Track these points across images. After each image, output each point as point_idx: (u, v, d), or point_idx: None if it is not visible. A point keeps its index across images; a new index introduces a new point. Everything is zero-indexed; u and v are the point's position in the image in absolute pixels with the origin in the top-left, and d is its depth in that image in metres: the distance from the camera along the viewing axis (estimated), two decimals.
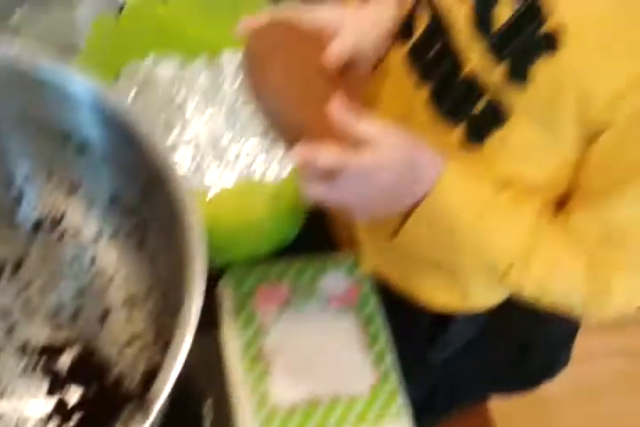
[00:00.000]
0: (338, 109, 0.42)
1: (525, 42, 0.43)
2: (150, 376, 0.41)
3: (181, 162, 0.58)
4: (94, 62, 0.55)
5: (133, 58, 0.60)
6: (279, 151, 0.58)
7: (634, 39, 0.41)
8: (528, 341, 0.68)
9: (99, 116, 0.44)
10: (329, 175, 0.42)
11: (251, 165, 0.58)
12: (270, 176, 0.57)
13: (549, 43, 0.41)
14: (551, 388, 0.73)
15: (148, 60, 0.62)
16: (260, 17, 0.46)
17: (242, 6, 0.58)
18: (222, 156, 0.60)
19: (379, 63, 0.53)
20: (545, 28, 0.41)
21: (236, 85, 0.62)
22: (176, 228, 0.40)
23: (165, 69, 0.63)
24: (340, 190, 0.44)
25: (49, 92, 0.45)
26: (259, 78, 0.44)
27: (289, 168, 0.57)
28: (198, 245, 0.38)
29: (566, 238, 0.48)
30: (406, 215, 0.48)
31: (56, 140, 0.47)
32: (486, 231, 0.47)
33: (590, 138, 0.44)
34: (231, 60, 0.62)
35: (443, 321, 0.62)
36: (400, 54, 0.51)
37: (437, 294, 0.60)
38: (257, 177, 0.57)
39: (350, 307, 0.56)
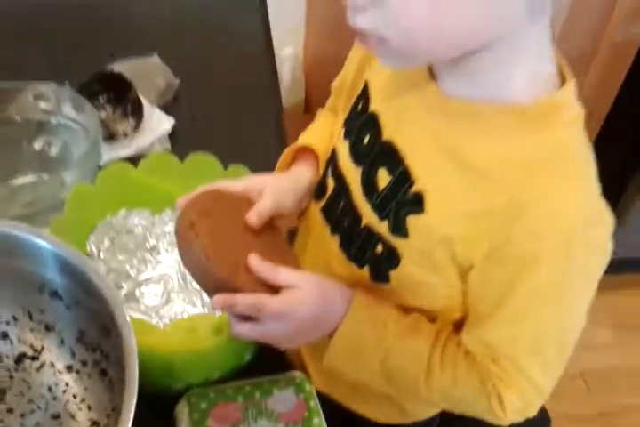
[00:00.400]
0: (257, 265, 0.52)
1: (399, 203, 0.53)
2: None
3: (152, 295, 0.68)
4: (73, 218, 0.67)
5: (108, 212, 0.71)
6: None
7: (472, 204, 0.50)
8: None
9: (63, 269, 0.54)
10: (250, 316, 0.52)
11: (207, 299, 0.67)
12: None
13: (416, 204, 0.52)
14: None
15: (121, 213, 0.72)
16: (195, 191, 0.57)
17: (199, 168, 0.70)
18: (188, 290, 0.69)
19: (302, 214, 0.64)
20: (411, 193, 0.52)
21: None
22: (124, 363, 0.49)
23: (137, 219, 0.73)
24: (262, 328, 0.53)
25: (26, 251, 0.55)
26: (186, 243, 0.53)
27: None
28: (132, 382, 0.46)
29: (462, 356, 0.55)
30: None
31: (34, 289, 0.58)
32: (392, 354, 0.55)
33: (465, 273, 0.53)
34: None
35: None
36: (317, 209, 0.62)
37: (379, 411, 0.67)
38: (207, 310, 0.66)
39: (298, 422, 0.63)
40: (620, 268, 0.89)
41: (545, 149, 0.49)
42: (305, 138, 0.68)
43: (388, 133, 0.55)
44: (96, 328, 0.56)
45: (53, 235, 0.57)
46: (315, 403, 0.65)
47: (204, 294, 0.67)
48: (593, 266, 0.50)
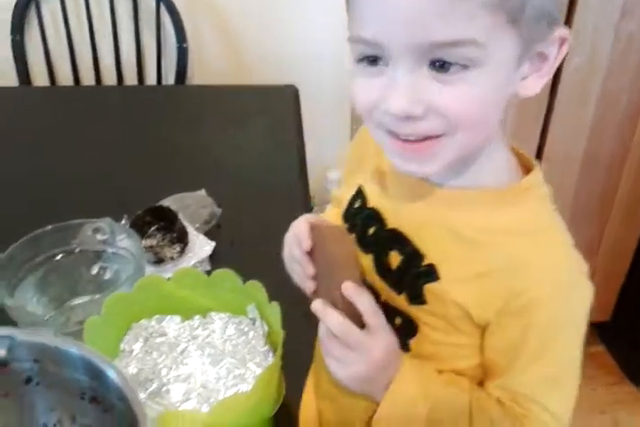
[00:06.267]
0: (350, 291, 0.58)
1: (414, 276, 0.61)
2: None
3: (175, 392, 0.75)
4: (109, 320, 0.76)
5: (143, 317, 0.81)
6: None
7: (472, 268, 0.58)
8: None
9: (99, 379, 0.63)
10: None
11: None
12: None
13: (430, 274, 0.60)
14: None
15: (155, 317, 0.82)
16: (306, 223, 0.67)
17: (222, 282, 0.81)
18: (207, 390, 0.75)
19: None
20: (424, 265, 0.60)
21: (223, 337, 0.82)
22: None
23: (169, 323, 0.83)
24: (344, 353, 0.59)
25: (70, 362, 0.65)
26: (318, 255, 0.64)
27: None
28: None
29: (494, 400, 0.60)
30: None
31: (77, 395, 0.67)
32: (437, 406, 0.60)
33: (481, 330, 0.59)
34: (218, 318, 0.83)
35: None
36: None
37: None
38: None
39: None
40: None
41: (524, 218, 0.59)
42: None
43: (392, 223, 0.65)
44: None
45: (88, 332, 0.66)
46: None
47: (221, 394, 0.74)
48: (586, 296, 0.59)
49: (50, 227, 0.90)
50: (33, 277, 0.88)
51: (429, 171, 0.58)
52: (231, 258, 1.02)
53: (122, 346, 0.79)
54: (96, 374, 0.63)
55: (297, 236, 0.67)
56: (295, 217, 1.16)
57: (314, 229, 0.67)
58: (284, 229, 1.12)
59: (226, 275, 0.81)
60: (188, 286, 0.83)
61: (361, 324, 0.58)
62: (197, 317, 0.84)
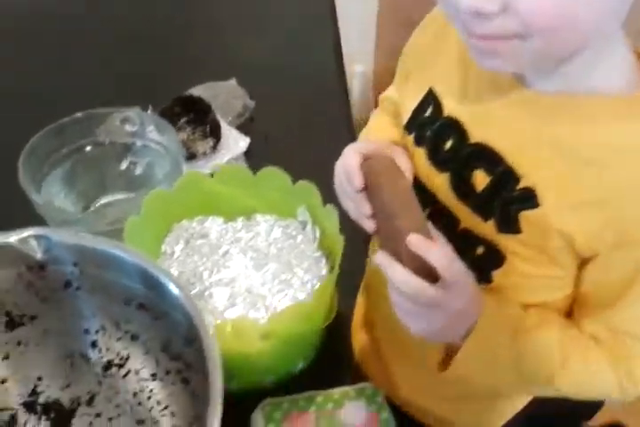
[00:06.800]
0: (417, 245, 0.49)
1: (506, 201, 0.52)
2: None
3: (220, 297, 0.70)
4: (149, 220, 0.70)
5: (184, 217, 0.75)
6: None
7: (586, 193, 0.49)
8: None
9: (149, 284, 0.57)
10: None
11: (270, 304, 0.70)
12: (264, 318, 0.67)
13: (528, 199, 0.51)
14: None
15: (197, 218, 0.76)
16: (355, 155, 0.58)
17: (270, 181, 0.74)
18: (252, 295, 0.71)
19: None
20: (520, 189, 0.51)
21: (267, 241, 0.76)
22: (206, 373, 0.52)
23: (212, 225, 0.77)
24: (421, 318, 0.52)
25: (113, 264, 0.59)
26: (373, 193, 0.56)
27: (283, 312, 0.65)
28: (216, 393, 0.48)
29: (587, 338, 0.55)
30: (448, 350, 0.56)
31: (120, 300, 0.61)
32: (526, 347, 0.55)
33: (583, 261, 0.52)
34: (263, 221, 0.77)
35: None
36: None
37: (474, 419, 0.67)
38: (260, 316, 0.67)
39: None
40: None
41: None
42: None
43: (477, 136, 0.55)
44: (179, 339, 0.59)
45: (128, 233, 0.61)
46: (387, 416, 0.66)
47: (268, 300, 0.69)
48: None
49: (75, 115, 0.81)
50: (59, 171, 0.81)
51: (516, 68, 0.49)
52: (269, 156, 0.94)
53: (163, 248, 0.73)
54: (148, 281, 0.57)
55: (347, 172, 0.58)
56: (333, 107, 1.08)
57: (365, 163, 0.58)
58: (324, 124, 1.04)
59: (273, 173, 0.73)
60: (232, 185, 0.75)
61: (433, 276, 0.50)
62: (241, 218, 0.77)
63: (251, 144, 0.97)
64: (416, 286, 0.49)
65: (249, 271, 0.73)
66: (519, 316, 0.55)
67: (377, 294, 0.71)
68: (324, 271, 0.72)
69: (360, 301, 0.80)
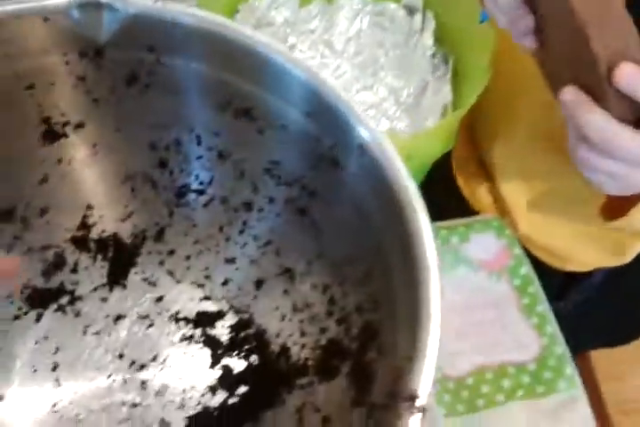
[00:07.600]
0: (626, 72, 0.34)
1: None
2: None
3: None
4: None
5: None
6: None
7: None
8: None
9: (256, 74, 0.40)
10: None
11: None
12: None
13: None
14: None
15: (264, 1, 0.57)
16: None
17: None
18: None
19: None
20: None
21: (349, 33, 0.57)
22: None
23: (282, 10, 0.58)
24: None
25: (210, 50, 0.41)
26: None
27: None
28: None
29: None
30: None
31: (212, 106, 0.44)
32: None
33: None
34: (346, 4, 0.58)
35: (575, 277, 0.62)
36: None
37: (596, 256, 0.59)
38: None
39: (503, 270, 0.54)
40: None
41: None
42: None
43: None
44: (297, 157, 0.43)
45: None
46: (520, 251, 0.56)
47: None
48: None
49: None
50: None
51: None
52: None
53: None
54: (258, 68, 0.39)
55: None
56: None
57: None
58: None
59: None
60: None
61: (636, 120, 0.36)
62: (318, 2, 0.58)
63: None
64: (624, 138, 0.35)
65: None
66: None
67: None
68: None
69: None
